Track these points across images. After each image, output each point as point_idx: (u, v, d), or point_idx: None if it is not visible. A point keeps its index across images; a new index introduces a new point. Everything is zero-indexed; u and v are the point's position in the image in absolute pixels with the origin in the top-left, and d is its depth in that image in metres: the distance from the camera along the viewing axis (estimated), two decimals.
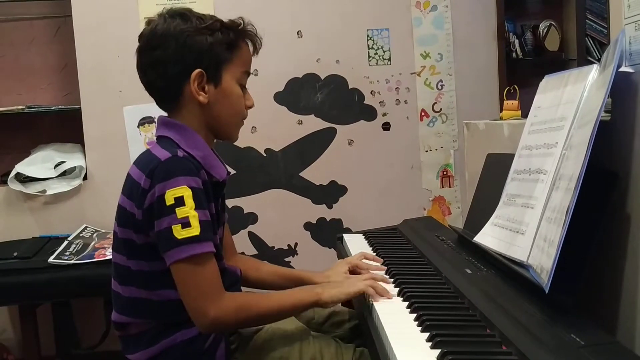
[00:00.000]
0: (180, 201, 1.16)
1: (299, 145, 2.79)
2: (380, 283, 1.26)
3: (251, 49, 1.34)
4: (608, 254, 1.04)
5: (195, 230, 1.16)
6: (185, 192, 1.17)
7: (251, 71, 1.36)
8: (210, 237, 1.20)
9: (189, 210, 1.16)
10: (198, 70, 1.26)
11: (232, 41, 1.29)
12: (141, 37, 1.30)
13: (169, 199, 1.16)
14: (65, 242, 2.42)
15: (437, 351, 0.91)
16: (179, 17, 1.28)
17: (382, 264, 1.47)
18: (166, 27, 1.27)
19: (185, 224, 1.16)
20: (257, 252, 2.80)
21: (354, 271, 1.45)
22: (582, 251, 1.01)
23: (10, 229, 2.62)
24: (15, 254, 2.33)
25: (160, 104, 1.34)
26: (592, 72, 1.10)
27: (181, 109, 1.30)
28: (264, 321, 1.30)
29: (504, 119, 1.79)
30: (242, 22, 1.31)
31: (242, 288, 1.49)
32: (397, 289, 1.26)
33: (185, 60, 1.26)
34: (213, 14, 1.33)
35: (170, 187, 1.16)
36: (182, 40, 1.25)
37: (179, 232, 1.16)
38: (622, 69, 1.02)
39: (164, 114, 1.34)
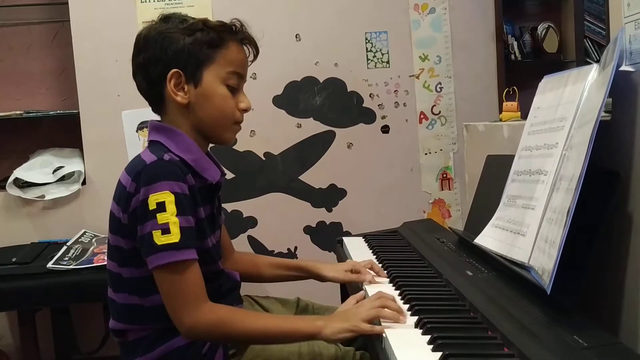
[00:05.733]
0: (161, 207, 1.15)
1: (298, 149, 2.79)
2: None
3: (246, 50, 1.32)
4: (610, 254, 1.03)
5: (174, 237, 1.15)
6: (167, 198, 1.16)
7: (245, 73, 1.33)
8: (191, 245, 1.18)
9: (169, 216, 1.15)
10: (174, 70, 1.25)
11: (213, 40, 1.26)
12: (133, 44, 1.32)
13: (152, 204, 1.15)
14: (64, 247, 2.41)
15: (439, 354, 0.91)
16: (162, 20, 1.29)
17: (382, 267, 1.46)
18: (149, 31, 1.28)
19: (165, 230, 1.15)
20: None
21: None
22: (583, 252, 1.01)
23: (8, 235, 2.61)
24: (14, 260, 2.32)
25: (151, 107, 1.34)
26: (592, 72, 1.09)
27: (167, 112, 1.30)
28: (244, 341, 1.26)
29: (504, 121, 1.78)
30: (235, 23, 1.30)
31: (245, 285, 1.48)
32: (398, 291, 1.25)
33: (163, 61, 1.26)
34: (210, 17, 1.32)
35: (153, 192, 1.16)
36: (160, 41, 1.26)
37: (159, 238, 1.15)
38: (622, 68, 1.02)
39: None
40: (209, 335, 1.21)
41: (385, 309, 1.10)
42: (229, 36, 1.29)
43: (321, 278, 1.49)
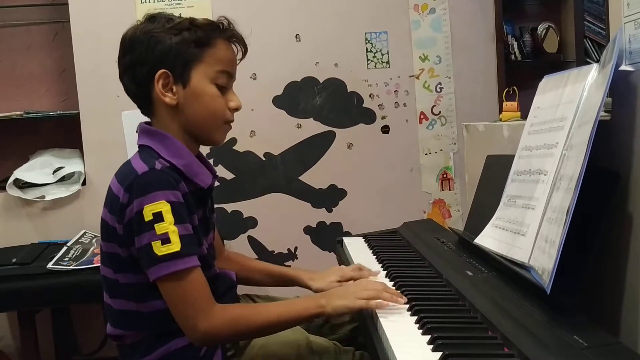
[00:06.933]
0: (159, 217, 1.13)
1: (298, 149, 2.79)
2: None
3: (234, 49, 1.30)
4: (610, 253, 1.03)
5: (175, 246, 1.13)
6: (164, 207, 1.14)
7: (234, 72, 1.31)
8: (193, 251, 1.17)
9: (168, 225, 1.13)
10: (162, 70, 1.23)
11: (201, 39, 1.24)
12: (119, 46, 1.30)
13: (148, 215, 1.13)
14: (64, 248, 2.41)
15: (439, 354, 0.91)
16: (148, 20, 1.27)
17: (382, 267, 1.46)
18: (134, 31, 1.26)
19: (165, 240, 1.13)
20: (257, 257, 2.78)
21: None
22: (583, 251, 1.00)
23: (9, 235, 2.61)
24: (14, 260, 2.32)
25: (141, 110, 1.32)
26: (592, 72, 1.09)
27: (156, 114, 1.28)
28: (261, 333, 1.26)
29: (504, 121, 1.78)
30: (222, 21, 1.28)
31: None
32: (398, 291, 1.25)
33: (149, 62, 1.23)
34: (210, 18, 1.31)
35: (148, 203, 1.14)
36: (146, 41, 1.24)
37: (159, 249, 1.13)
38: (622, 67, 1.02)
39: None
40: (225, 336, 1.20)
41: (385, 292, 1.15)
42: (216, 34, 1.26)
43: (309, 288, 1.49)
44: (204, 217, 1.31)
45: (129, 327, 1.26)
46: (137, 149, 1.29)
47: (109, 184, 1.25)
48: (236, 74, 1.33)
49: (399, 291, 1.23)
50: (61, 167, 2.65)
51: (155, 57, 1.23)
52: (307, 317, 1.22)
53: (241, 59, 1.33)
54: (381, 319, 1.09)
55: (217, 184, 1.38)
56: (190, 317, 1.15)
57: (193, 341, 1.18)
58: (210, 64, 1.25)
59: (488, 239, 1.31)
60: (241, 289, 1.49)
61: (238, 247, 2.76)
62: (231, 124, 1.33)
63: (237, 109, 1.31)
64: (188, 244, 1.16)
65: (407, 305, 1.15)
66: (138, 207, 1.14)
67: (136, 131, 1.33)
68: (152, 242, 1.13)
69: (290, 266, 2.78)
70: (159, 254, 1.13)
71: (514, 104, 1.81)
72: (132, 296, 1.23)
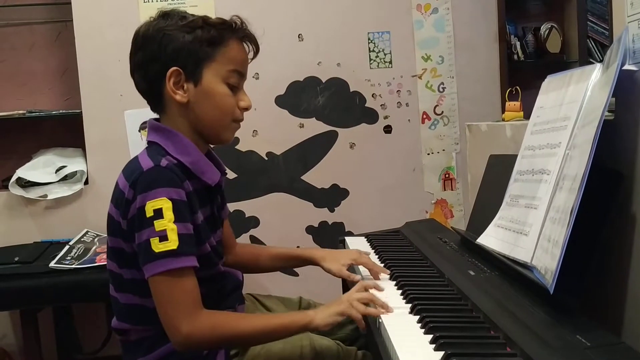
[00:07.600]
0: (159, 213, 1.13)
1: (300, 149, 2.79)
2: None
3: (246, 48, 1.30)
4: (613, 254, 1.03)
5: (172, 244, 1.13)
6: (165, 204, 1.13)
7: (245, 71, 1.31)
8: (190, 251, 1.16)
9: (167, 223, 1.13)
10: (173, 68, 1.23)
11: (214, 38, 1.24)
12: (131, 42, 1.30)
13: (149, 211, 1.13)
14: (67, 247, 2.41)
15: (441, 353, 0.91)
16: (161, 17, 1.27)
17: (384, 267, 1.46)
18: (147, 28, 1.26)
19: (163, 237, 1.13)
20: None
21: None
22: (586, 251, 1.00)
23: (11, 234, 2.61)
24: (16, 259, 2.32)
25: (151, 107, 1.32)
26: (595, 72, 1.09)
27: (166, 111, 1.28)
28: (245, 342, 1.25)
29: (506, 120, 1.78)
30: (235, 20, 1.28)
31: (248, 284, 1.48)
32: (400, 291, 1.25)
33: (162, 59, 1.23)
34: (214, 17, 1.30)
35: (150, 199, 1.14)
36: (159, 38, 1.24)
37: (157, 246, 1.13)
38: (626, 67, 1.01)
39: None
40: (207, 341, 1.17)
41: (376, 297, 1.15)
42: (229, 34, 1.26)
43: (321, 267, 1.49)
44: (211, 215, 1.31)
45: (135, 321, 1.26)
46: (146, 145, 1.30)
47: (116, 180, 1.25)
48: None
49: (399, 290, 1.24)
50: (64, 166, 2.65)
51: (168, 54, 1.23)
52: (294, 329, 1.20)
53: (252, 59, 1.33)
54: (383, 319, 1.09)
55: None
56: (175, 318, 1.14)
57: (174, 343, 1.16)
58: (223, 63, 1.25)
59: (490, 238, 1.31)
60: (246, 288, 1.49)
61: None
62: (239, 123, 1.33)
63: (247, 109, 1.31)
64: (186, 243, 1.15)
65: (409, 305, 1.15)
66: (141, 203, 1.15)
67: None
68: (151, 239, 1.13)
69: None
70: (156, 250, 1.13)
71: (517, 103, 1.81)
72: (137, 291, 1.23)
